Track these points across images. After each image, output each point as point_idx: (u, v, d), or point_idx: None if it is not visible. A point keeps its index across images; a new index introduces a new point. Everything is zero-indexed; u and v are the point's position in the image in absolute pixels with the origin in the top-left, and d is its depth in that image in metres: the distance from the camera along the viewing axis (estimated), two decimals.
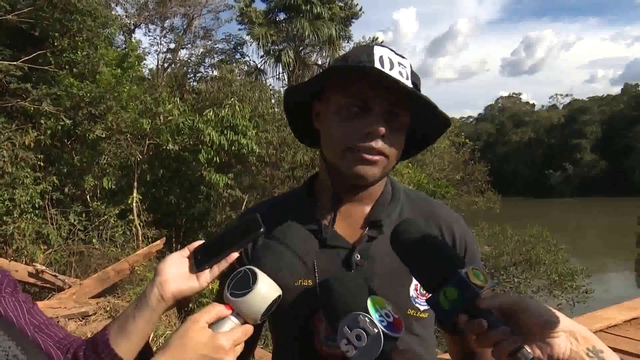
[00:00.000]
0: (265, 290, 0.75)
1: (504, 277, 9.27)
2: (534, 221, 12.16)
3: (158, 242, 7.17)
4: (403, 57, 0.94)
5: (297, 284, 0.95)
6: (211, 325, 0.74)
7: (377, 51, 0.91)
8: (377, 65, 0.89)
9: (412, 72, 0.94)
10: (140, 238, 8.68)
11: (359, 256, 0.95)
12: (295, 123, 1.08)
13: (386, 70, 0.88)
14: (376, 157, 0.90)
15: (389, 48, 0.93)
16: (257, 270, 0.77)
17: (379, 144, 0.89)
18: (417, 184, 12.29)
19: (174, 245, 8.81)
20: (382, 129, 0.88)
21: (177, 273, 0.83)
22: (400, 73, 0.90)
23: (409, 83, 0.91)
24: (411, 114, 0.94)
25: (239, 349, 0.74)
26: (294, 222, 0.85)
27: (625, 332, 4.76)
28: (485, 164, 19.47)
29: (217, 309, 0.75)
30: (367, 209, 1.01)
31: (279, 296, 0.78)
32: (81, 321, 5.42)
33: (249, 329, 0.76)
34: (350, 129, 0.90)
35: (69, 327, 5.25)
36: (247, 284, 0.75)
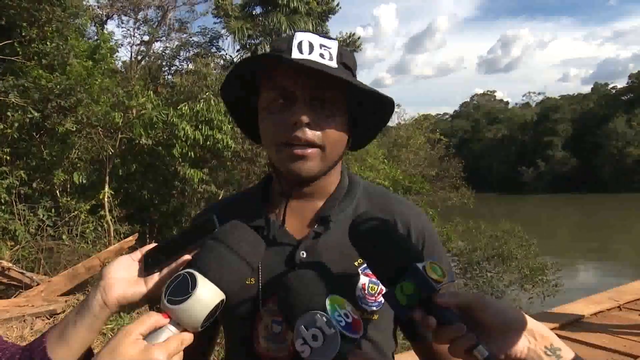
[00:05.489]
0: (206, 295, 0.69)
1: (477, 272, 9.43)
2: (507, 217, 12.41)
3: (130, 238, 7.03)
4: (330, 39, 0.90)
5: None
6: (147, 336, 0.68)
7: (298, 37, 0.87)
8: (295, 51, 0.85)
9: (342, 53, 0.90)
10: (112, 234, 8.49)
11: (304, 253, 0.91)
12: (243, 121, 1.03)
13: (304, 54, 0.85)
14: (308, 151, 0.86)
15: (313, 32, 0.89)
16: (196, 273, 0.70)
17: (306, 133, 0.85)
18: (393, 180, 12.37)
19: (147, 241, 8.65)
20: (305, 117, 0.83)
21: (122, 277, 0.78)
22: (322, 55, 0.86)
23: (332, 64, 0.86)
24: (352, 99, 0.90)
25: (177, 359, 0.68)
26: (241, 223, 0.80)
27: (591, 325, 4.90)
28: (460, 160, 19.73)
29: (152, 319, 0.69)
30: (320, 204, 0.97)
31: (222, 301, 0.72)
32: (49, 319, 5.28)
33: (186, 338, 0.70)
34: (278, 123, 0.86)
35: (36, 325, 5.11)
36: (186, 289, 0.69)
